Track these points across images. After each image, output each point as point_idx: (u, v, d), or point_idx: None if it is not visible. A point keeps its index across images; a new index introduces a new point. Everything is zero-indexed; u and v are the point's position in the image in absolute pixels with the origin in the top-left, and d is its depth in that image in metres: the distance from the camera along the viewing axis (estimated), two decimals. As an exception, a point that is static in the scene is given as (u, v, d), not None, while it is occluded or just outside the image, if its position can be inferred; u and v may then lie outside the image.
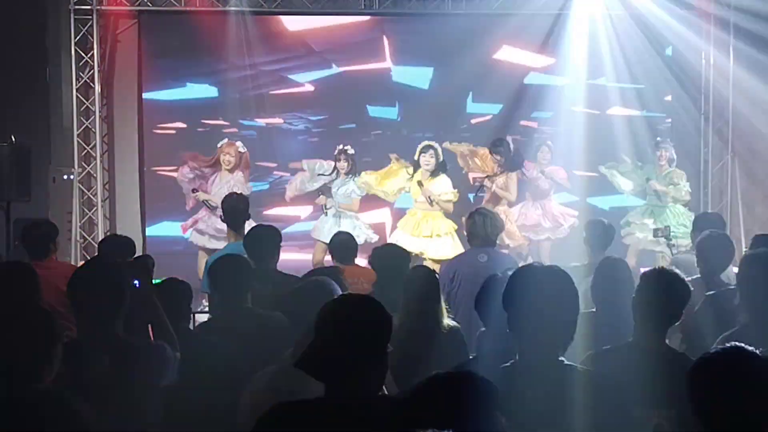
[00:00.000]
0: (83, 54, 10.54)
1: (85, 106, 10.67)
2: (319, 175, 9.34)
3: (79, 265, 4.52)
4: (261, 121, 10.92)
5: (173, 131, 10.86)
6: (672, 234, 7.78)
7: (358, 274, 5.88)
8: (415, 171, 8.98)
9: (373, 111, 11.02)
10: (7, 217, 9.18)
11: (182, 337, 3.96)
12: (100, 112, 10.69)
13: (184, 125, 10.85)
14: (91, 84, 10.61)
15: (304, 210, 10.29)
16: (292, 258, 8.81)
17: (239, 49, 10.62)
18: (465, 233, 6.05)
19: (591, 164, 10.46)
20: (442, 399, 2.14)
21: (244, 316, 4.35)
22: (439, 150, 8.95)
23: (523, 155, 9.60)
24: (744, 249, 9.94)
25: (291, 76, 10.91)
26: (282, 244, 5.71)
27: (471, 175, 9.67)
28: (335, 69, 10.90)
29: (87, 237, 10.51)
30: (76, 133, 10.58)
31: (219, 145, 9.34)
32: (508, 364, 2.77)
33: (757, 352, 2.39)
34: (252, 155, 9.90)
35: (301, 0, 10.79)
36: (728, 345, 2.47)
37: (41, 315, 2.85)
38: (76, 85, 10.54)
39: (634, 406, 3.15)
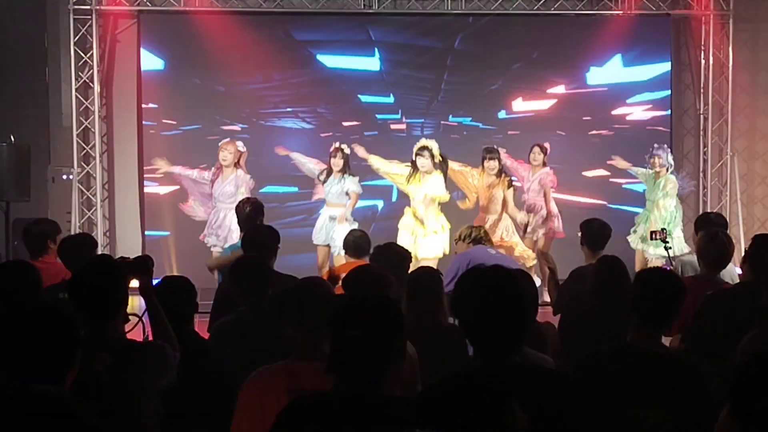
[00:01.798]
0: (82, 54, 10.54)
1: (84, 105, 10.67)
2: (317, 178, 9.33)
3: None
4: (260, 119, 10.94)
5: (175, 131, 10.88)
6: (669, 236, 7.76)
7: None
8: (414, 172, 8.95)
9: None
10: (7, 217, 9.19)
11: (187, 338, 3.95)
12: (99, 111, 10.69)
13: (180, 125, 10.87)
14: (91, 84, 10.61)
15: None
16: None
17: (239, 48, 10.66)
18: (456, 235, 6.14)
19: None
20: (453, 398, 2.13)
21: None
22: (436, 150, 8.89)
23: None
24: (743, 248, 9.96)
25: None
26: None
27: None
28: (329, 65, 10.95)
29: (86, 237, 10.50)
30: (75, 132, 10.58)
31: (219, 144, 9.24)
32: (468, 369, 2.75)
33: None
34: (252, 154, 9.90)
35: (301, 0, 10.80)
36: None
37: (67, 317, 2.84)
38: (76, 84, 10.54)
39: (629, 407, 3.15)
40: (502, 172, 9.32)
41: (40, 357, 2.68)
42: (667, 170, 9.47)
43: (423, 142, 9.02)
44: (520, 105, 11.09)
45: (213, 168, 9.24)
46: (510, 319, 2.68)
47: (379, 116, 11.04)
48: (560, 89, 11.06)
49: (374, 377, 2.54)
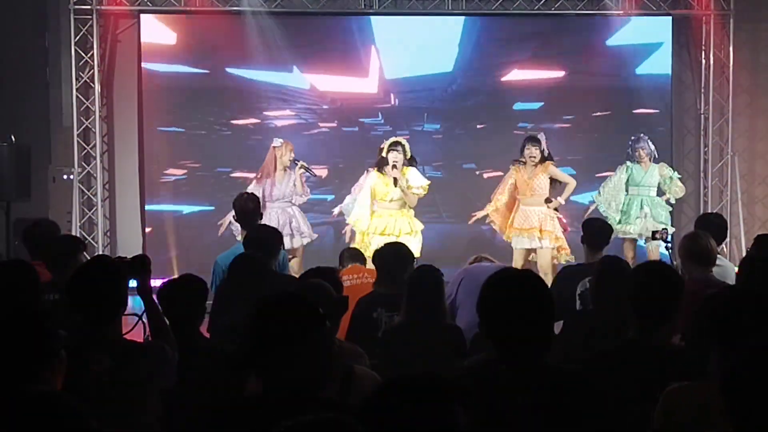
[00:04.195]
0: (83, 54, 10.54)
1: (85, 105, 10.67)
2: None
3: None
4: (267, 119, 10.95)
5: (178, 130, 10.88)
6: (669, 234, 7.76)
7: (361, 271, 5.88)
8: (379, 168, 8.59)
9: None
10: (7, 217, 9.19)
11: (193, 337, 3.95)
12: (100, 111, 10.69)
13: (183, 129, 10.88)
14: (91, 84, 10.61)
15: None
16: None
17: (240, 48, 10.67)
18: None
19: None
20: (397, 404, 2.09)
21: None
22: (407, 146, 8.59)
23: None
24: (744, 248, 9.96)
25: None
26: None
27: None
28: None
29: (87, 237, 10.50)
30: (76, 132, 10.57)
31: (276, 145, 8.76)
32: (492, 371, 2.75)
33: None
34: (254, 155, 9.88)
35: (301, 0, 10.81)
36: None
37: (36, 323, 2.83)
38: (76, 84, 10.53)
39: (635, 402, 3.15)
40: (544, 158, 8.87)
41: (13, 360, 2.68)
42: (650, 159, 9.45)
43: (395, 138, 8.77)
44: (522, 104, 11.11)
45: (261, 173, 8.75)
46: (539, 322, 2.68)
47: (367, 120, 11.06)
48: (559, 88, 11.06)
49: (311, 382, 2.54)
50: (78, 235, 10.37)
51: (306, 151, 10.27)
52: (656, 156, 9.49)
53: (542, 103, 11.03)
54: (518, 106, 11.03)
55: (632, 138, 9.60)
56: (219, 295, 5.19)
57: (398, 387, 2.06)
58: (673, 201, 9.64)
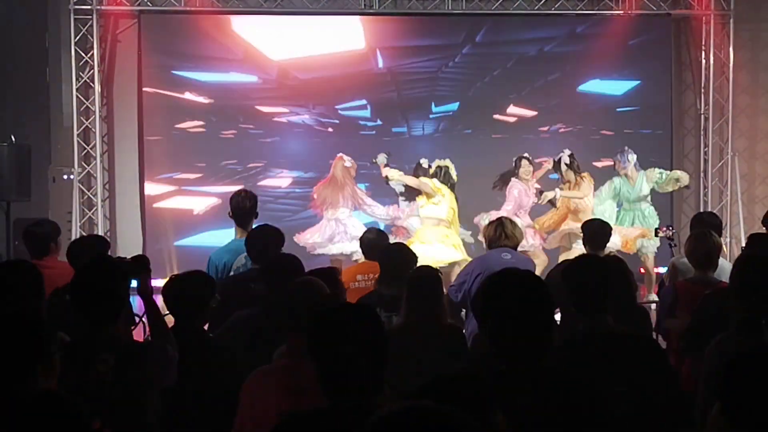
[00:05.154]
0: (83, 54, 10.55)
1: (85, 105, 10.68)
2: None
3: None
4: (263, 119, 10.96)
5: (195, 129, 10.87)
6: (674, 233, 7.77)
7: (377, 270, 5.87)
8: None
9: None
10: (8, 217, 9.19)
11: (196, 335, 3.94)
12: (100, 111, 10.70)
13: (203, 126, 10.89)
14: (91, 84, 10.62)
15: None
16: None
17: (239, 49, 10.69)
18: (483, 240, 6.09)
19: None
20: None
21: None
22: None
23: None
24: (744, 248, 9.97)
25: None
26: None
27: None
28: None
29: (87, 237, 10.51)
30: (76, 132, 10.59)
31: (348, 165, 9.51)
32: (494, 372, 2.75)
33: None
34: (251, 154, 9.91)
35: (301, 0, 10.82)
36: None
37: (28, 326, 2.84)
38: (76, 84, 10.55)
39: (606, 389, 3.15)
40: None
41: (9, 361, 2.69)
42: (636, 169, 9.49)
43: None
44: (521, 105, 11.11)
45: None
46: (539, 322, 2.68)
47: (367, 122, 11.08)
48: (559, 88, 11.06)
49: (375, 390, 2.48)
50: (78, 234, 10.39)
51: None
52: (637, 165, 9.54)
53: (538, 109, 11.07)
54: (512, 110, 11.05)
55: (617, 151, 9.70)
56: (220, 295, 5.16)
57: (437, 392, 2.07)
58: (686, 182, 9.74)
